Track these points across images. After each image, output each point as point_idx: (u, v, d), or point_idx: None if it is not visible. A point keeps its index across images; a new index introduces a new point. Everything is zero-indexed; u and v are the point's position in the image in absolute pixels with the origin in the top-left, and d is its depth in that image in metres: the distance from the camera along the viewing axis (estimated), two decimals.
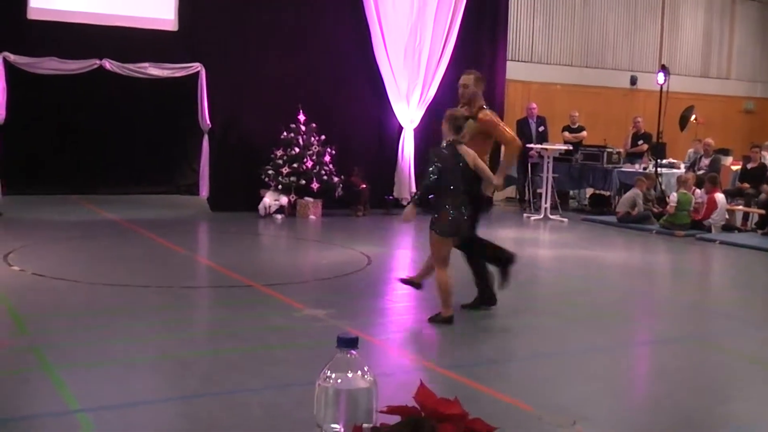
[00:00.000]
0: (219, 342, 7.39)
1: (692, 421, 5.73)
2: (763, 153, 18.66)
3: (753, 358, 7.53)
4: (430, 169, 8.05)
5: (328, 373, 2.13)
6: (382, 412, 2.10)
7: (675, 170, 18.52)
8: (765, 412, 6.13)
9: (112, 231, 13.50)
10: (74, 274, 9.75)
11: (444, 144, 8.14)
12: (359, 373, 2.13)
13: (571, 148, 18.43)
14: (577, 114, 20.19)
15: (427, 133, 17.19)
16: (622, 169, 18.58)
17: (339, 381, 2.12)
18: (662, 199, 16.77)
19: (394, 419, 2.07)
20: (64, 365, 6.33)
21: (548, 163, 17.19)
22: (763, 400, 6.31)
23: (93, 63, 15.54)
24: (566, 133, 19.71)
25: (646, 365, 7.67)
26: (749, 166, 17.54)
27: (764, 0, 28.10)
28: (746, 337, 8.42)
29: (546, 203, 17.09)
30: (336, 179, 16.14)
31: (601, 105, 24.02)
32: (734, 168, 19.55)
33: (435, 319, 8.19)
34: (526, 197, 19.02)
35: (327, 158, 16.06)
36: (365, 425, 2.08)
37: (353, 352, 2.16)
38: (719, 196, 15.74)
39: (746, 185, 17.06)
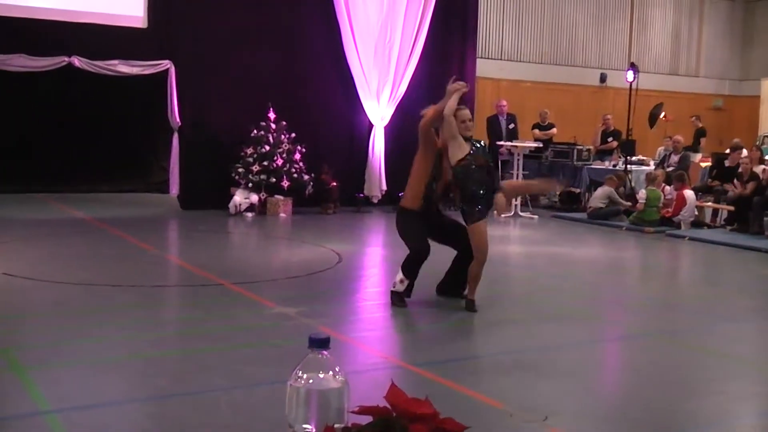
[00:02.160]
0: (189, 341, 7.35)
1: (662, 415, 5.76)
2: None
3: (722, 354, 7.57)
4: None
5: (300, 374, 2.13)
6: (353, 412, 2.10)
7: (644, 167, 18.63)
8: (734, 406, 6.16)
9: (82, 230, 13.42)
10: (44, 274, 9.69)
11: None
12: (330, 373, 2.13)
13: (541, 145, 18.51)
14: (547, 111, 20.28)
15: (397, 130, 17.21)
16: (592, 166, 18.68)
17: (310, 381, 2.11)
18: (632, 196, 16.86)
19: (366, 419, 2.06)
20: (33, 366, 6.28)
21: (518, 160, 17.25)
22: (732, 395, 6.35)
23: (62, 60, 15.46)
24: (536, 131, 19.79)
25: (616, 361, 7.70)
26: (727, 164, 17.52)
27: None
28: (715, 332, 8.47)
29: (516, 200, 17.13)
30: (306, 177, 16.13)
31: (571, 102, 24.14)
32: (703, 165, 19.67)
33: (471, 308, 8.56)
34: None
35: (297, 156, 16.04)
36: (337, 425, 2.08)
37: (324, 352, 2.16)
38: (688, 193, 15.84)
39: (716, 182, 17.14)
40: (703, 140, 21.23)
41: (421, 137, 8.72)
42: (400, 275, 8.67)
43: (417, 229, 8.72)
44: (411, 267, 8.65)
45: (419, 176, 8.70)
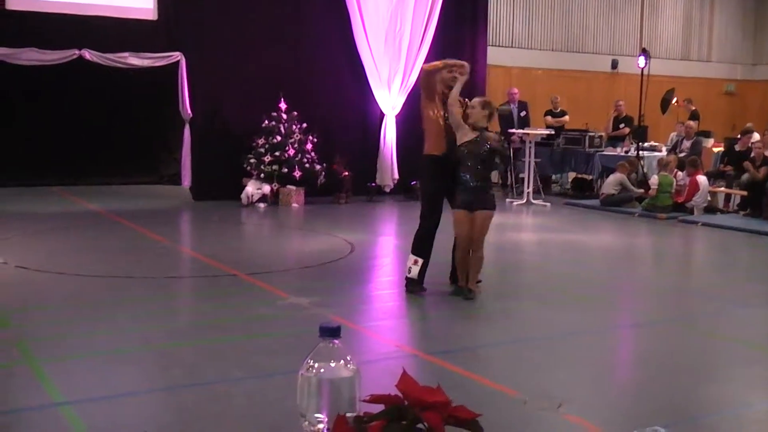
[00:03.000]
0: (203, 332, 7.37)
1: (676, 402, 5.75)
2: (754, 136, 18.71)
3: (736, 340, 7.56)
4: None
5: (311, 363, 2.13)
6: (365, 401, 2.10)
7: (657, 153, 18.56)
8: (749, 393, 6.15)
9: (95, 222, 13.46)
10: (57, 266, 9.72)
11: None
12: (342, 362, 2.13)
13: (552, 132, 18.46)
14: (558, 98, 20.21)
15: (408, 119, 17.16)
16: (604, 153, 18.61)
17: (322, 370, 2.12)
18: (644, 182, 16.80)
19: (378, 408, 2.07)
20: (47, 358, 6.30)
21: (530, 147, 17.20)
22: (747, 382, 6.34)
23: (73, 53, 15.50)
24: (548, 118, 19.74)
25: (629, 348, 7.69)
26: (737, 148, 17.49)
27: None
28: (729, 318, 8.45)
29: (528, 188, 17.11)
30: (318, 167, 16.12)
31: (583, 89, 24.07)
32: (716, 150, 19.60)
33: (456, 293, 8.65)
34: (509, 182, 19.02)
35: (309, 146, 16.03)
36: (348, 414, 2.08)
37: (336, 341, 2.16)
38: (701, 178, 15.79)
39: (728, 167, 17.09)
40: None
41: (422, 88, 8.86)
42: (412, 257, 8.67)
43: (436, 186, 8.74)
44: (421, 245, 8.65)
45: (432, 123, 8.70)
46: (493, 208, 8.69)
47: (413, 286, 8.66)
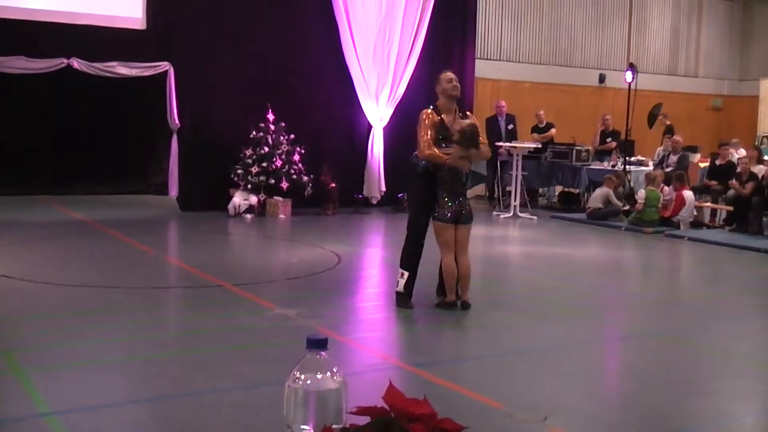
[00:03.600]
0: (189, 342, 7.36)
1: (663, 415, 5.76)
2: (731, 150, 18.82)
3: (722, 352, 7.58)
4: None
5: (298, 374, 2.14)
6: (351, 413, 2.11)
7: (643, 167, 18.62)
8: (735, 406, 6.17)
9: (82, 231, 13.43)
10: (44, 276, 9.70)
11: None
12: (328, 374, 2.14)
13: (540, 146, 18.50)
14: (542, 112, 20.19)
15: (396, 131, 17.22)
16: (591, 167, 18.67)
17: (308, 382, 2.12)
18: (631, 196, 16.86)
19: (364, 420, 2.07)
20: (33, 368, 6.28)
21: (517, 160, 17.24)
22: (733, 395, 6.36)
23: (61, 62, 15.48)
24: (535, 135, 19.69)
25: (616, 361, 7.71)
26: (717, 162, 17.68)
27: None
28: (715, 331, 8.48)
29: (515, 201, 17.15)
30: (305, 178, 16.12)
31: (570, 103, 24.14)
32: (702, 165, 19.69)
33: (441, 305, 8.63)
34: (496, 195, 19.06)
35: (296, 157, 16.04)
36: (335, 426, 2.08)
37: (322, 353, 2.17)
38: (687, 193, 15.85)
39: (713, 182, 17.18)
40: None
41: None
42: (399, 270, 8.70)
43: (421, 193, 8.75)
44: (408, 258, 8.67)
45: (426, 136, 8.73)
46: (472, 219, 8.77)
47: (401, 301, 8.66)
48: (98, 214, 15.20)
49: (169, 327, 8.30)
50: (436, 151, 8.47)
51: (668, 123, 21.20)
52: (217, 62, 16.11)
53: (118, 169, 18.43)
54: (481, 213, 17.89)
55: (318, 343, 2.16)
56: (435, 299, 8.85)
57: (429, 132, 8.53)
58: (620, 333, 8.52)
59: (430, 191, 8.66)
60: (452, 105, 8.80)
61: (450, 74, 8.85)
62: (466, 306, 8.60)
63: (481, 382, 6.44)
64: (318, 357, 2.15)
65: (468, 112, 9.08)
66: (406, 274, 8.64)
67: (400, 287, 8.67)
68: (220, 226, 14.69)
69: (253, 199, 15.66)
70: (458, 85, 8.87)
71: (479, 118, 17.90)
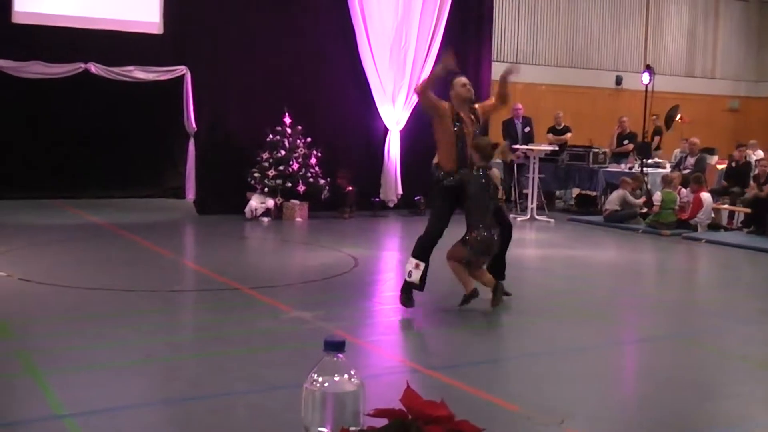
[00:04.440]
0: (206, 345, 7.38)
1: (679, 418, 5.75)
2: (748, 152, 18.76)
3: (740, 356, 7.55)
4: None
5: (315, 377, 2.13)
6: (369, 415, 2.10)
7: (661, 170, 18.57)
8: (752, 409, 6.15)
9: (98, 235, 13.48)
10: (60, 279, 9.72)
11: (474, 170, 8.58)
12: (346, 376, 2.13)
13: (557, 148, 18.45)
14: (561, 114, 20.18)
15: (412, 134, 17.20)
16: (608, 169, 18.61)
17: (326, 384, 2.12)
18: (648, 199, 16.81)
19: (382, 422, 2.07)
20: (50, 370, 6.30)
21: (534, 163, 17.21)
22: (750, 398, 6.33)
23: (78, 67, 15.53)
24: (550, 135, 19.68)
25: (633, 364, 7.69)
26: (734, 164, 17.62)
27: None
28: (733, 334, 8.45)
29: (532, 204, 17.11)
30: (322, 181, 16.12)
31: (587, 105, 24.11)
32: (719, 167, 19.62)
33: (464, 301, 8.56)
34: (513, 198, 19.01)
35: (313, 160, 16.04)
36: (352, 428, 2.08)
37: (340, 355, 2.17)
38: (705, 195, 15.79)
39: (725, 184, 17.14)
40: (657, 138, 20.99)
41: (424, 107, 8.88)
42: (413, 261, 8.62)
43: (442, 202, 8.76)
44: (421, 250, 8.62)
45: (445, 141, 8.73)
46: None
47: (405, 299, 8.59)
48: (114, 217, 15.24)
49: (185, 330, 8.33)
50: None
51: (658, 124, 21.10)
52: (234, 66, 16.13)
53: (134, 173, 18.47)
54: None
55: (336, 346, 2.16)
56: (450, 301, 8.82)
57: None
58: (637, 336, 8.50)
59: (453, 195, 8.67)
60: (465, 105, 8.84)
61: (464, 79, 8.93)
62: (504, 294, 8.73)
63: (498, 385, 6.44)
64: (336, 359, 2.15)
65: (475, 106, 9.04)
66: (422, 264, 8.57)
67: (415, 278, 8.51)
68: (236, 229, 14.72)
69: (270, 203, 15.68)
70: (471, 88, 8.93)
71: (496, 120, 18.00)
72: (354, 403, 2.13)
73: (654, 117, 21.14)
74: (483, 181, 8.54)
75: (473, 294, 8.54)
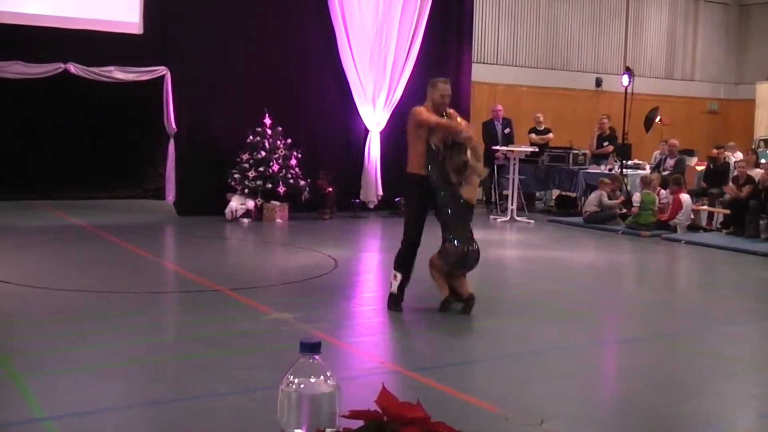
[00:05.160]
0: (186, 347, 7.38)
1: (660, 418, 5.78)
2: (727, 153, 18.85)
3: (719, 356, 7.59)
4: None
5: (291, 378, 2.14)
6: (344, 416, 2.11)
7: (640, 171, 18.64)
8: (732, 408, 6.19)
9: (79, 236, 13.44)
10: (41, 281, 9.70)
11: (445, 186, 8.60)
12: (322, 378, 2.14)
13: (537, 150, 18.49)
14: (542, 116, 20.23)
15: (393, 136, 17.21)
16: (588, 171, 18.66)
17: (302, 386, 2.13)
18: (628, 200, 16.87)
19: (357, 423, 2.08)
20: (30, 373, 6.29)
21: (514, 164, 17.24)
22: (730, 397, 6.38)
23: (58, 67, 15.47)
24: (533, 135, 19.76)
25: (613, 364, 7.72)
26: (712, 166, 17.70)
27: (728, 2, 28.36)
28: (713, 334, 8.51)
29: (512, 205, 17.14)
30: (302, 183, 16.12)
31: (567, 107, 24.18)
32: (699, 168, 19.70)
33: (443, 307, 8.69)
34: (493, 199, 19.06)
35: (293, 162, 16.04)
36: (328, 430, 2.09)
37: (316, 356, 2.18)
38: (684, 197, 15.86)
39: (704, 185, 17.23)
40: (605, 143, 20.83)
41: (409, 129, 8.79)
42: (393, 272, 8.73)
43: (416, 204, 8.77)
44: (402, 260, 8.68)
45: (416, 145, 8.70)
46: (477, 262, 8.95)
47: (393, 304, 8.69)
48: (95, 219, 15.19)
49: (166, 331, 8.31)
50: (443, 120, 8.56)
51: (609, 126, 20.84)
52: (214, 67, 16.11)
53: (115, 174, 18.41)
54: (478, 217, 17.89)
55: (311, 347, 2.17)
56: (430, 302, 8.85)
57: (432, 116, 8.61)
58: (617, 336, 8.54)
59: (427, 196, 8.68)
60: (440, 110, 8.81)
61: (447, 88, 8.79)
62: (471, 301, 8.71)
63: (477, 386, 6.46)
64: (311, 361, 2.16)
65: (450, 110, 8.99)
66: (399, 275, 8.67)
67: (394, 288, 8.70)
68: (217, 230, 14.69)
69: (250, 204, 15.67)
70: (449, 98, 8.88)
71: (476, 121, 18.04)
72: (330, 405, 2.14)
73: (604, 116, 20.75)
74: (454, 196, 8.56)
75: (450, 299, 8.64)
